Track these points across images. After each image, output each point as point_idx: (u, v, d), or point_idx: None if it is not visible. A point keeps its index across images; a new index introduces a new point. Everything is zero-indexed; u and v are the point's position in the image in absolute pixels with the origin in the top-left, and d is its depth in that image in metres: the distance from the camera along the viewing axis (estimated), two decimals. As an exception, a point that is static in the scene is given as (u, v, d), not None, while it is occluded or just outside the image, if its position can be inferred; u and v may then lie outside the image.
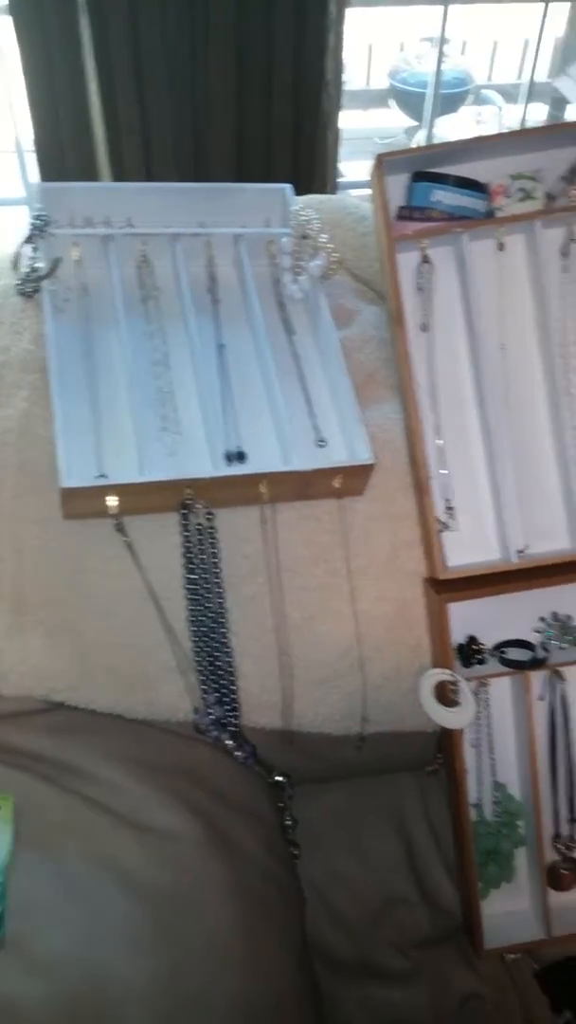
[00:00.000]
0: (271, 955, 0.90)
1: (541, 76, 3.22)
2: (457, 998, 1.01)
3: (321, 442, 1.00)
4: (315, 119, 1.91)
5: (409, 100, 3.11)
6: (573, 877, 1.08)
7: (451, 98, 3.10)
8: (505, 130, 3.06)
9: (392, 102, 3.32)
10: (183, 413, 0.99)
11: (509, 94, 3.25)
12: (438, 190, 0.92)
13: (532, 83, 2.61)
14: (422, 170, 0.94)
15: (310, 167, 1.96)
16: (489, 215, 0.94)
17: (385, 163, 0.92)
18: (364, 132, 3.54)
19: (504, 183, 0.92)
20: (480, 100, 3.27)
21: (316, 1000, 0.95)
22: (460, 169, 0.95)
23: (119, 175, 1.92)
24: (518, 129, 0.87)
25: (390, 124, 3.45)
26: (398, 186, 0.97)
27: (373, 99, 3.68)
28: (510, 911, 1.09)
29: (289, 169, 1.94)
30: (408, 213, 0.93)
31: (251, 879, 0.95)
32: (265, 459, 0.97)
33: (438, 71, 2.36)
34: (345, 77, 2.90)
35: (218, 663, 1.03)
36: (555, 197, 0.94)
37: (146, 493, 0.91)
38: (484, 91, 3.27)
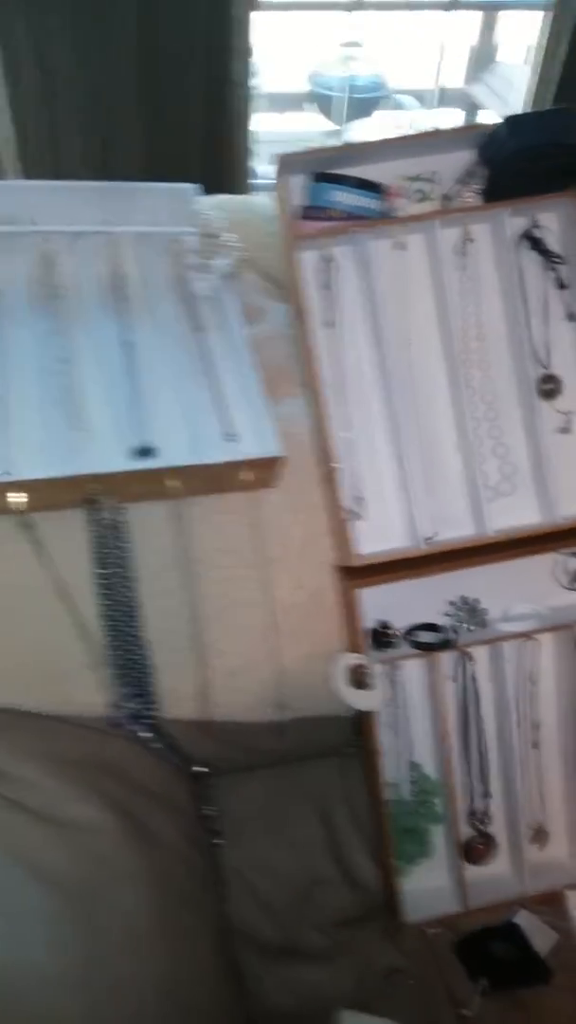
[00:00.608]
0: (191, 941, 0.91)
1: (457, 82, 3.31)
2: (380, 973, 1.04)
3: (231, 436, 1.02)
4: (226, 120, 1.92)
5: (327, 104, 3.15)
6: (487, 850, 1.13)
7: (367, 102, 3.16)
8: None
9: (312, 105, 3.36)
10: (91, 410, 0.99)
11: (424, 99, 3.32)
12: (337, 190, 0.95)
13: (442, 88, 2.67)
14: (323, 171, 0.97)
15: (222, 168, 1.98)
16: (384, 215, 0.97)
17: (286, 163, 0.94)
18: (285, 135, 3.57)
19: (403, 184, 0.96)
20: (395, 105, 3.33)
21: (238, 982, 0.96)
22: (361, 171, 0.98)
23: (26, 175, 1.91)
24: (415, 133, 0.90)
25: (311, 127, 3.49)
26: (300, 186, 1.00)
27: (293, 102, 3.71)
28: (428, 886, 1.12)
29: (200, 170, 1.95)
30: (310, 213, 0.96)
31: (169, 868, 0.96)
32: (175, 453, 0.98)
33: (350, 76, 2.40)
34: (264, 80, 2.92)
35: (132, 656, 1.04)
36: (451, 198, 0.98)
37: (52, 489, 0.91)
38: (399, 96, 3.34)
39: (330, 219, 0.94)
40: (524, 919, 1.08)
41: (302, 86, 3.54)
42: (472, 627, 1.04)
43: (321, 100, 3.25)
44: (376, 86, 3.19)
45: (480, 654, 1.06)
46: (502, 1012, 1.00)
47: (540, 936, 1.06)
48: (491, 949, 1.05)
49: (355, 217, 0.95)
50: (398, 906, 1.08)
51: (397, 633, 1.03)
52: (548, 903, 1.10)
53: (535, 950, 1.04)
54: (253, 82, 1.99)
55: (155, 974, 0.85)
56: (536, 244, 0.99)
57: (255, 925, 1.09)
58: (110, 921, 0.87)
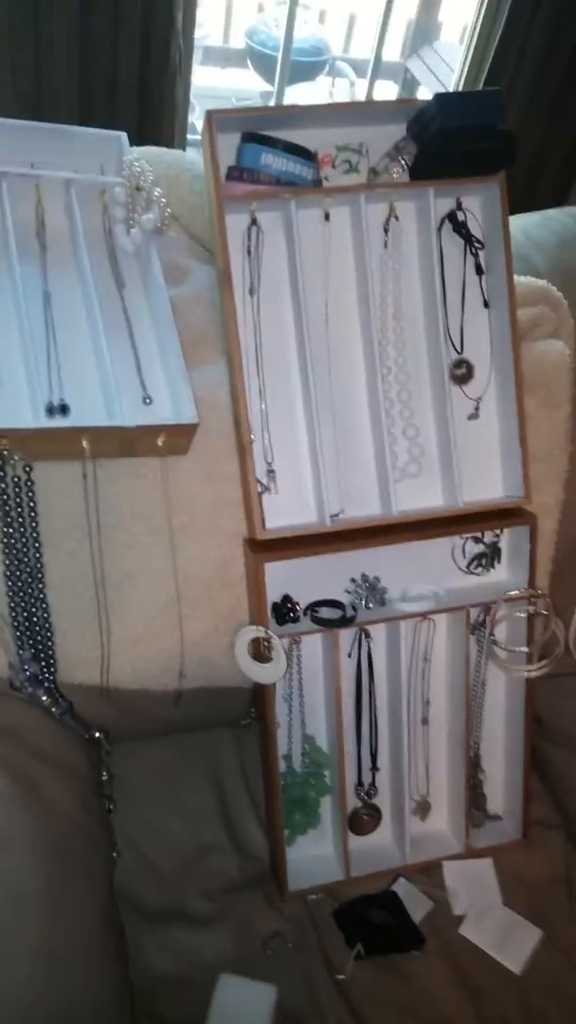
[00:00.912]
0: (75, 904, 0.91)
1: (395, 56, 3.29)
2: (259, 938, 1.06)
3: (147, 399, 1.00)
4: (163, 71, 1.86)
5: (264, 63, 3.08)
6: (372, 822, 1.16)
7: (307, 66, 3.11)
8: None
9: (249, 63, 3.29)
10: (3, 362, 0.95)
11: (363, 69, 3.29)
12: (267, 153, 0.93)
13: (379, 60, 2.65)
14: (253, 132, 0.95)
15: (158, 119, 1.92)
16: (316, 184, 0.96)
17: (216, 120, 0.92)
18: (223, 91, 3.48)
19: (330, 153, 0.95)
20: (335, 72, 3.29)
21: (120, 946, 0.97)
22: (291, 136, 0.96)
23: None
24: (348, 102, 0.89)
25: (248, 86, 3.42)
26: (230, 145, 0.97)
27: (231, 58, 3.62)
28: (314, 855, 1.15)
29: (135, 120, 1.88)
30: (238, 174, 0.94)
31: (59, 831, 0.95)
32: (88, 413, 0.95)
33: (288, 35, 2.36)
34: (202, 33, 2.84)
35: (34, 619, 1.01)
36: (378, 173, 0.98)
37: (-44, 443, 0.87)
38: (340, 63, 3.30)
39: (258, 182, 0.92)
40: (402, 887, 1.11)
41: (241, 43, 3.45)
42: (372, 605, 1.05)
43: (260, 59, 3.17)
44: (316, 50, 3.15)
45: (378, 632, 1.08)
46: (376, 976, 1.03)
47: (416, 904, 1.10)
48: (368, 916, 1.08)
49: (284, 183, 0.94)
50: (283, 874, 1.10)
51: (299, 608, 1.04)
52: (426, 872, 1.14)
53: (410, 918, 1.08)
54: (195, 34, 1.93)
55: (33, 937, 0.85)
56: (459, 227, 0.99)
57: (141, 889, 1.10)
58: (-5, 882, 0.86)
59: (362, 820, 1.15)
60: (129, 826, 1.14)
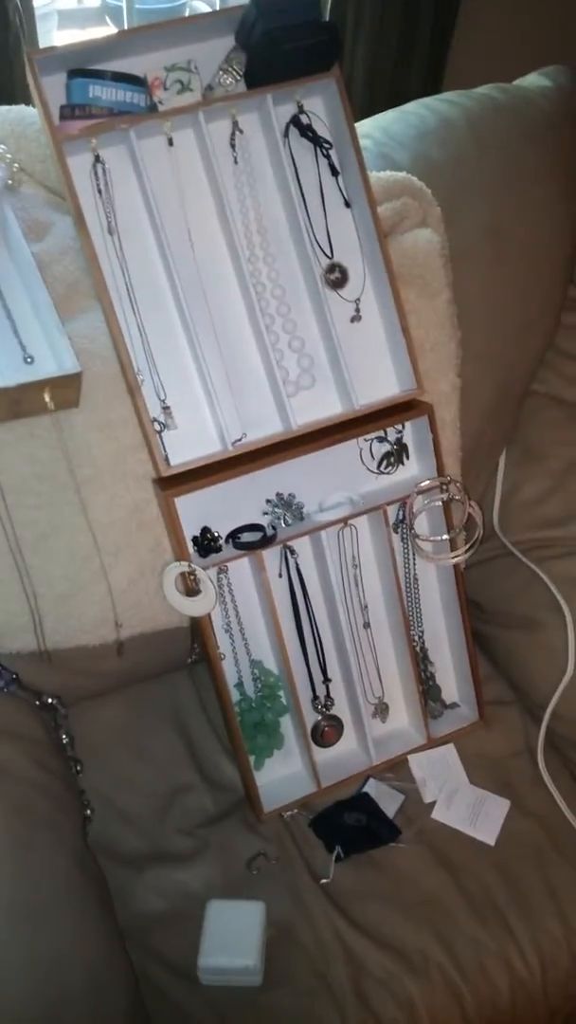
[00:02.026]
0: (46, 863, 0.92)
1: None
2: (243, 860, 1.09)
3: (28, 359, 0.99)
4: (4, 33, 1.81)
5: (121, 16, 3.00)
6: (335, 732, 1.19)
7: (163, 13, 3.02)
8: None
9: (107, 19, 3.19)
10: None
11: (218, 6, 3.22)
12: (95, 85, 0.91)
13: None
14: (79, 68, 0.93)
15: (9, 83, 1.86)
16: (153, 110, 0.95)
17: (38, 61, 0.90)
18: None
19: (160, 76, 0.93)
20: (193, 14, 3.21)
21: (101, 895, 0.98)
22: (121, 65, 0.95)
23: None
24: (167, 20, 0.87)
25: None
26: (61, 88, 0.95)
27: (89, 17, 3.51)
28: (283, 775, 1.18)
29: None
30: (70, 111, 0.92)
31: (22, 797, 0.96)
32: (-31, 381, 0.94)
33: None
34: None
35: (-43, 595, 1.01)
36: (213, 88, 0.96)
37: None
38: (195, 2, 3.21)
39: (91, 116, 0.91)
40: (372, 787, 1.15)
41: (96, 1, 3.35)
42: (291, 521, 1.06)
43: (116, 14, 3.08)
44: (171, -5, 3.06)
45: (302, 546, 1.09)
46: (359, 874, 1.07)
47: (388, 800, 1.13)
48: (343, 820, 1.11)
49: (119, 114, 0.92)
50: (256, 797, 1.12)
51: (220, 537, 1.05)
52: (393, 769, 1.18)
53: (384, 813, 1.12)
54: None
55: (11, 896, 0.86)
56: (305, 131, 0.99)
57: (121, 839, 1.12)
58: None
59: (324, 732, 1.18)
60: (99, 782, 1.16)
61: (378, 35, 2.17)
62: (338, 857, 1.07)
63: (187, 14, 3.26)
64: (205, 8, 3.23)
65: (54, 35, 2.94)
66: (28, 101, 2.01)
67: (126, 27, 2.44)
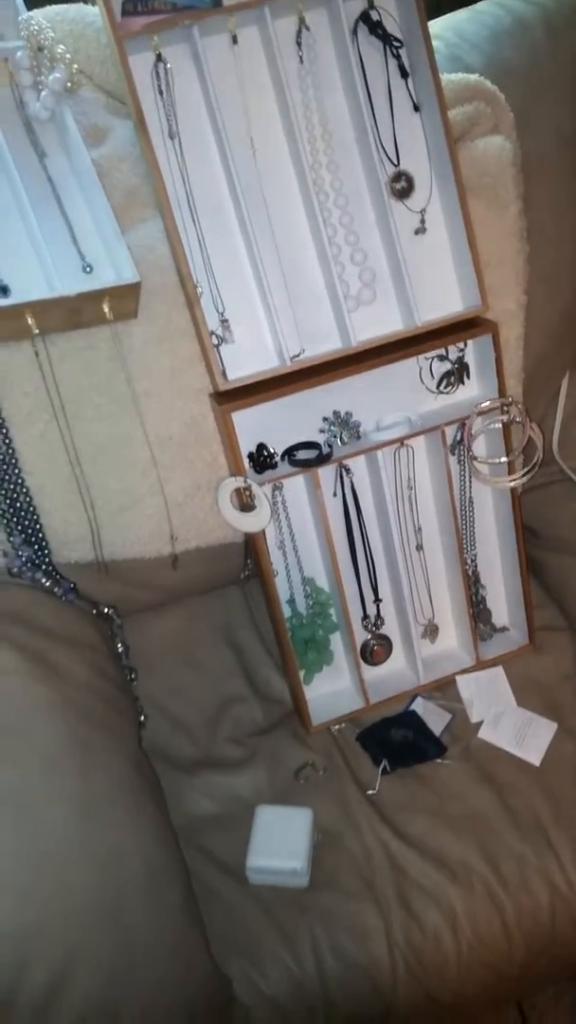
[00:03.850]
0: (106, 762, 0.96)
1: None
2: (291, 770, 1.12)
3: (87, 268, 0.98)
4: None
5: None
6: (383, 651, 1.20)
7: None
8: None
9: None
10: None
11: None
12: (158, -22, 0.88)
13: None
14: (141, -41, 0.89)
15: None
16: (217, 6, 0.91)
17: (100, -48, 0.87)
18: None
19: (226, -32, 0.89)
20: None
21: (156, 796, 1.02)
22: (184, -42, 0.91)
23: None
24: None
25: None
26: (122, -19, 0.92)
27: None
28: (332, 690, 1.20)
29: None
30: (132, 7, 0.89)
31: (80, 699, 0.99)
32: (29, 289, 0.94)
33: None
34: None
35: (18, 504, 1.03)
36: (280, -19, 0.92)
37: None
38: None
39: (154, 12, 0.88)
40: (420, 705, 1.17)
41: None
42: (347, 440, 1.05)
43: None
44: None
45: (358, 466, 1.09)
46: (405, 786, 1.09)
47: (434, 718, 1.15)
48: (391, 735, 1.13)
49: (182, 9, 0.89)
50: (305, 710, 1.15)
51: (276, 454, 1.05)
52: (441, 689, 1.19)
53: (430, 730, 1.13)
54: None
55: (71, 794, 0.90)
56: (374, 28, 0.94)
57: (172, 744, 1.16)
58: (24, 750, 0.91)
59: (374, 651, 1.19)
60: (153, 690, 1.20)
61: None
62: (384, 770, 1.10)
63: None
64: None
65: None
66: None
67: None
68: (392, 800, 1.08)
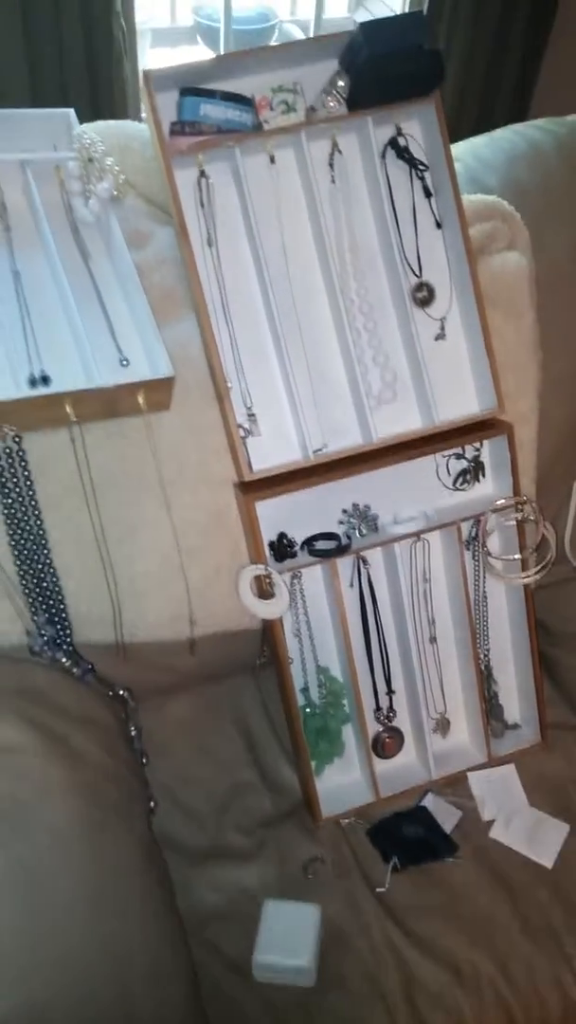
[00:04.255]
0: (117, 845, 0.95)
1: (342, 11, 3.27)
2: (299, 864, 1.10)
3: (124, 361, 1.03)
4: (108, 52, 1.88)
5: (213, 36, 3.08)
6: (395, 743, 1.20)
7: (256, 34, 3.10)
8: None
9: (199, 38, 3.29)
10: (-17, 341, 1.00)
11: (310, 29, 3.28)
12: (205, 104, 0.96)
13: (321, 14, 2.66)
14: (190, 86, 0.98)
15: (109, 100, 1.94)
16: (257, 129, 0.99)
17: (154, 79, 0.95)
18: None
19: (267, 96, 0.97)
20: (284, 36, 3.28)
21: (165, 884, 1.01)
22: (229, 85, 0.99)
23: None
24: (276, 44, 0.91)
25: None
26: (172, 106, 1.00)
27: (181, 36, 3.61)
28: (342, 782, 1.19)
29: (88, 103, 1.91)
30: (180, 128, 0.96)
31: (93, 781, 0.99)
32: (69, 380, 0.99)
33: (228, 4, 2.37)
34: (149, 15, 2.84)
35: (44, 584, 1.06)
36: (316, 110, 1.00)
37: (-52, 420, 0.92)
38: (287, 26, 3.29)
39: (200, 133, 0.95)
40: (431, 801, 1.16)
41: (189, 21, 3.44)
42: (365, 532, 1.08)
43: (208, 33, 3.17)
44: (263, 17, 3.14)
45: (375, 557, 1.11)
46: (415, 886, 1.08)
47: (446, 815, 1.14)
48: (401, 831, 1.12)
49: (226, 132, 0.97)
50: (315, 802, 1.14)
51: (296, 543, 1.08)
52: (452, 785, 1.18)
53: (442, 828, 1.12)
54: (137, 16, 1.94)
55: (80, 876, 0.89)
56: (402, 152, 1.02)
57: (181, 833, 1.14)
58: (37, 830, 0.90)
59: (385, 743, 1.19)
60: (163, 776, 1.19)
61: (468, 60, 2.20)
62: (395, 867, 1.08)
63: (276, 34, 3.34)
64: (296, 29, 3.30)
65: (147, 54, 3.03)
66: (128, 114, 2.09)
67: (223, 49, 2.51)
68: (402, 899, 1.06)
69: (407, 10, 2.30)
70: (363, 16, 3.02)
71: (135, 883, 0.94)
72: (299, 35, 3.31)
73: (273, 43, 3.31)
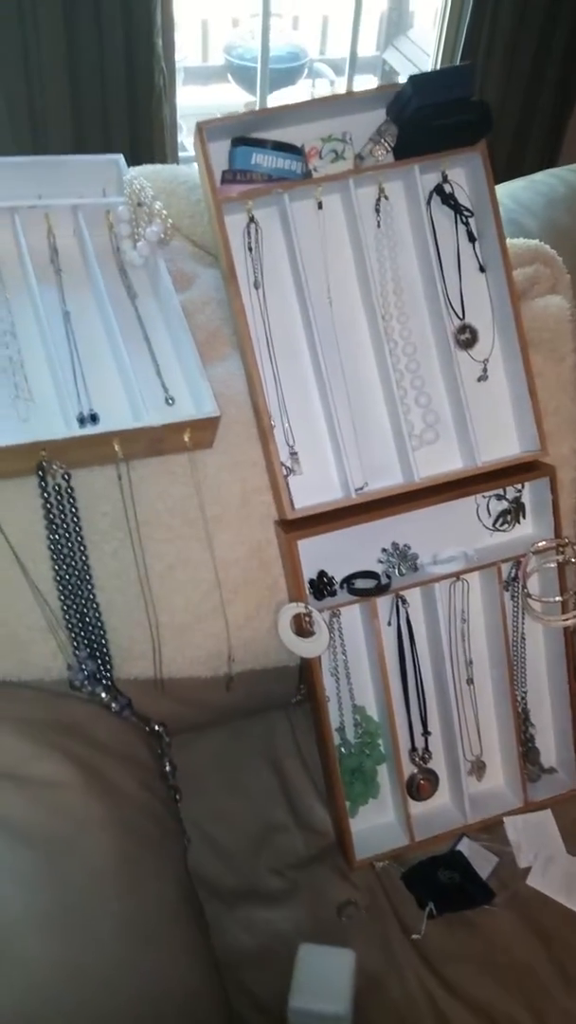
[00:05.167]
0: (153, 883, 0.95)
1: (371, 50, 3.34)
2: (333, 907, 1.09)
3: (170, 400, 1.05)
4: (149, 95, 1.93)
5: (245, 75, 3.15)
6: (430, 786, 1.19)
7: (287, 72, 3.17)
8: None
9: (230, 77, 3.36)
10: (34, 380, 1.01)
11: (340, 67, 3.35)
12: (257, 153, 0.98)
13: (355, 55, 2.71)
14: (241, 136, 1.00)
15: (149, 142, 1.98)
16: (306, 176, 1.01)
17: (207, 130, 0.97)
18: (206, 108, 3.55)
19: (317, 146, 0.99)
20: (314, 74, 3.35)
21: (201, 923, 1.00)
22: (277, 134, 1.01)
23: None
24: (327, 96, 0.94)
25: (230, 99, 3.49)
26: (221, 153, 1.02)
27: (212, 75, 3.70)
28: (377, 824, 1.18)
29: (128, 144, 1.95)
30: (231, 176, 0.99)
31: (131, 817, 0.99)
32: (117, 418, 1.00)
33: (265, 44, 2.42)
34: (181, 55, 2.92)
35: (87, 619, 1.06)
36: (364, 158, 1.02)
37: (2, 458, 0.93)
38: (317, 64, 3.36)
39: (251, 181, 0.97)
40: (466, 846, 1.14)
41: (220, 60, 3.52)
42: (404, 571, 1.09)
43: (240, 72, 3.25)
44: (293, 56, 3.21)
45: (414, 597, 1.11)
46: (450, 933, 1.06)
47: (482, 861, 1.13)
48: (437, 876, 1.11)
49: (276, 179, 0.99)
50: (349, 844, 1.13)
51: (335, 581, 1.08)
52: (488, 830, 1.17)
53: (478, 874, 1.11)
54: (176, 57, 1.99)
55: (118, 916, 0.89)
56: (447, 199, 1.03)
57: (214, 872, 1.14)
58: (74, 866, 0.90)
59: (420, 785, 1.18)
60: (196, 813, 1.18)
61: (500, 104, 2.24)
62: (431, 914, 1.07)
63: (306, 73, 3.41)
64: (327, 68, 3.37)
65: (179, 91, 3.10)
66: (167, 154, 2.13)
67: (258, 88, 2.56)
68: (437, 946, 1.05)
69: (440, 51, 2.34)
70: (393, 55, 3.08)
71: (173, 920, 0.94)
72: (330, 74, 3.38)
73: (304, 80, 3.38)
